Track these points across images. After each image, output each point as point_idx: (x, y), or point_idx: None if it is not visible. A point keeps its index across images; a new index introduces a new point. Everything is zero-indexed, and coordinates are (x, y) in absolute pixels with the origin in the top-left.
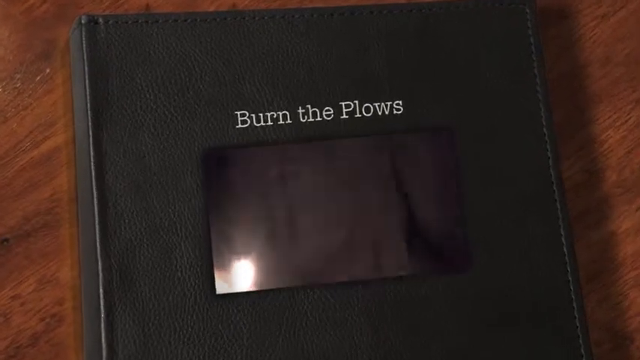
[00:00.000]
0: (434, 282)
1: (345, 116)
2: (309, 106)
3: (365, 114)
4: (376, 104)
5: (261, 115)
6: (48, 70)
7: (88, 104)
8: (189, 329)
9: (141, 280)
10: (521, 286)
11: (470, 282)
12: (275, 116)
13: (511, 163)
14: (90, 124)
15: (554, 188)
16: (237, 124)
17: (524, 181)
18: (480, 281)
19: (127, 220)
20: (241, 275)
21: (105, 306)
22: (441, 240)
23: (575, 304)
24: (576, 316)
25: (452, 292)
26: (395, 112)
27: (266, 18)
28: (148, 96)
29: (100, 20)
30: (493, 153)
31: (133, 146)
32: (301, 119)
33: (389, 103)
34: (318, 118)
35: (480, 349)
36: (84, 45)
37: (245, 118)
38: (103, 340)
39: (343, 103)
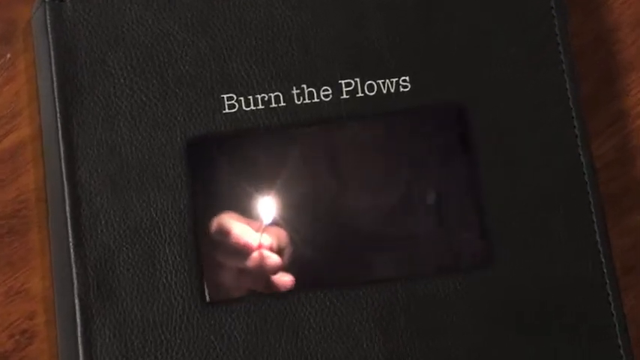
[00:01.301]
0: (451, 280)
1: (345, 96)
2: (304, 86)
3: (368, 93)
4: (380, 81)
5: (250, 98)
6: (8, 56)
7: (55, 92)
8: (178, 342)
9: (121, 289)
10: (550, 282)
11: (491, 279)
12: (266, 99)
13: (534, 144)
14: (58, 114)
15: (584, 170)
16: (224, 109)
17: (548, 163)
18: (502, 278)
19: (103, 222)
20: (234, 280)
21: (81, 319)
22: (458, 233)
23: (611, 300)
24: (613, 313)
25: (471, 291)
26: (401, 89)
27: None
28: (122, 80)
29: None
30: (513, 132)
31: (107, 137)
32: (296, 101)
33: (394, 80)
34: (315, 100)
35: (506, 354)
36: (48, 25)
37: (233, 102)
38: (81, 357)
39: (343, 82)
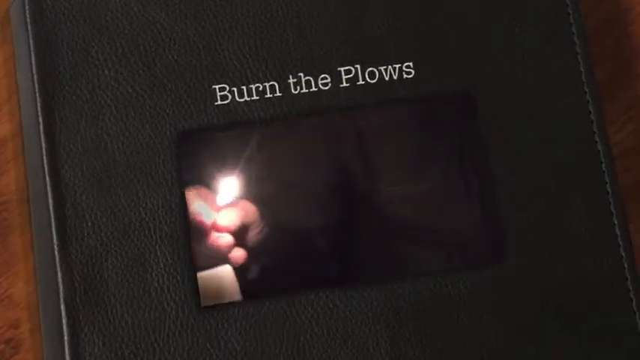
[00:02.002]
0: (461, 278)
1: (345, 84)
2: (301, 74)
3: (369, 80)
4: (382, 68)
5: (244, 88)
6: None
7: (36, 86)
8: (171, 350)
9: (110, 294)
10: (566, 280)
11: (504, 276)
12: (261, 89)
13: (546, 132)
14: (39, 109)
15: (601, 158)
16: (217, 101)
17: (563, 152)
18: (516, 274)
19: (89, 223)
20: (231, 282)
21: (68, 326)
22: (468, 227)
23: (632, 297)
24: (635, 311)
25: (483, 288)
26: (405, 76)
27: None
28: (107, 72)
29: None
30: (524, 121)
31: (92, 133)
32: (293, 91)
33: (397, 66)
34: (313, 89)
35: (522, 357)
36: (27, 15)
37: (225, 92)
38: None
39: (342, 69)
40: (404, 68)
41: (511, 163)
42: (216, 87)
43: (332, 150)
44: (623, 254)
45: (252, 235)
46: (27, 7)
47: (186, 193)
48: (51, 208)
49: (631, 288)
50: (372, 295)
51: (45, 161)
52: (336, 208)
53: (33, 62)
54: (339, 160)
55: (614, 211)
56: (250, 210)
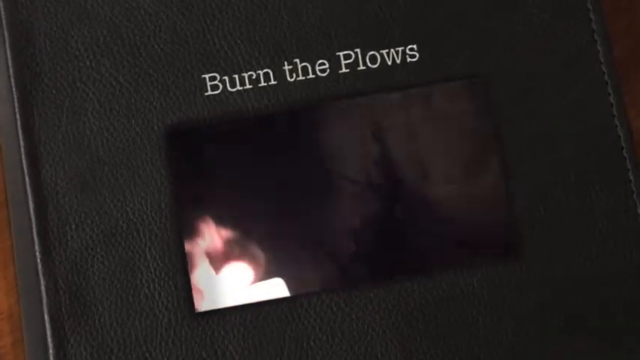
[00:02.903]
0: (474, 275)
1: (344, 70)
2: (297, 60)
3: (370, 65)
4: (384, 51)
5: (236, 76)
6: None
7: (12, 80)
8: None
9: (97, 302)
10: (586, 276)
11: (520, 273)
12: (254, 77)
13: (563, 118)
14: (16, 105)
15: (622, 144)
16: (207, 91)
17: (581, 139)
18: (532, 271)
19: (73, 226)
20: (226, 286)
21: (53, 338)
22: (481, 221)
23: None
24: None
25: (497, 286)
26: (409, 59)
27: None
28: (88, 63)
29: None
30: (538, 106)
31: (74, 130)
32: (288, 78)
33: (400, 49)
34: (311, 75)
35: (537, 357)
36: (1, 4)
37: (216, 82)
38: None
39: (341, 54)
40: (407, 51)
41: (525, 152)
42: (206, 76)
43: (331, 143)
44: None
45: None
46: None
47: (186, 249)
48: (32, 211)
49: None
50: (379, 296)
51: (24, 161)
52: (337, 207)
53: (8, 54)
54: (337, 154)
55: (637, 203)
56: (257, 261)
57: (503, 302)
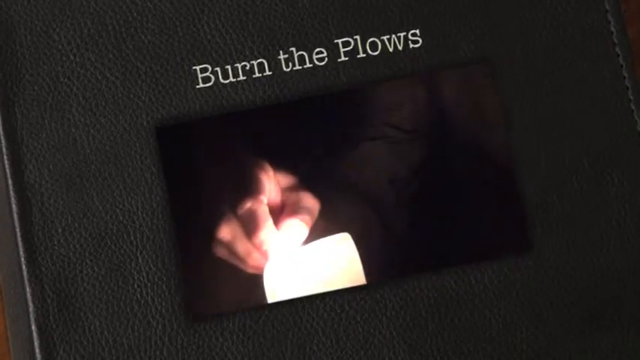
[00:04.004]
0: (484, 271)
1: (343, 58)
2: (293, 49)
3: (371, 52)
4: (385, 37)
5: (228, 67)
6: None
7: None
8: None
9: (87, 309)
10: (602, 269)
11: (531, 267)
12: (248, 67)
13: (576, 103)
14: None
15: (639, 129)
16: (198, 84)
17: (594, 125)
18: (544, 266)
19: (59, 230)
20: (224, 289)
21: (41, 349)
22: (489, 214)
23: None
24: None
25: (509, 282)
26: (411, 45)
27: None
28: (72, 57)
29: None
30: (549, 91)
31: (58, 127)
32: (284, 68)
33: (402, 35)
34: (308, 65)
35: (553, 356)
36: None
37: (207, 74)
38: None
39: (340, 41)
40: (410, 37)
41: (537, 140)
42: (197, 68)
43: (331, 134)
44: None
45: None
46: None
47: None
48: (15, 215)
49: None
50: (385, 296)
51: (6, 162)
52: (337, 205)
53: None
54: (338, 145)
55: None
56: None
57: (517, 299)
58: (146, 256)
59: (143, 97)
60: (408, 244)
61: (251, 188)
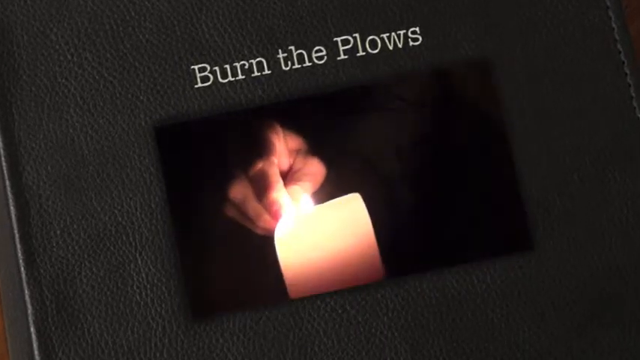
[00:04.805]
0: (485, 270)
1: (343, 56)
2: (292, 47)
3: (370, 50)
4: (384, 35)
5: (227, 67)
6: None
7: None
8: None
9: (86, 312)
10: (606, 266)
11: (532, 266)
12: (247, 66)
13: (577, 101)
14: None
15: None
16: (197, 83)
17: (596, 122)
18: (545, 264)
19: (58, 231)
20: (224, 290)
21: (40, 351)
22: (490, 212)
23: None
24: None
25: (509, 281)
26: (411, 43)
27: None
28: (69, 57)
29: None
30: (550, 90)
31: (56, 128)
32: (283, 67)
33: (402, 32)
34: (307, 63)
35: (556, 355)
36: None
37: (206, 73)
38: None
39: (339, 39)
40: (410, 35)
41: (537, 138)
42: (196, 67)
43: (333, 134)
44: None
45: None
46: None
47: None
48: (13, 216)
49: None
50: (386, 297)
51: (4, 163)
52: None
53: None
54: (340, 143)
55: None
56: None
57: (519, 298)
58: (145, 257)
59: (141, 97)
60: (407, 243)
61: (262, 149)
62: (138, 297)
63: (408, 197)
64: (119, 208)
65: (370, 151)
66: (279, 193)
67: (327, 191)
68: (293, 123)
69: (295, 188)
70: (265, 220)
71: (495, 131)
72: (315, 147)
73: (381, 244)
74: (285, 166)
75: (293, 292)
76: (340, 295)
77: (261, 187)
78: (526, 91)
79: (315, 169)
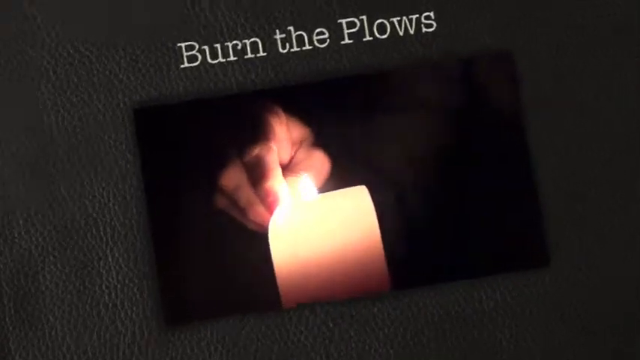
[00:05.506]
0: (495, 286)
1: (347, 41)
2: (291, 28)
3: (378, 35)
4: (395, 19)
5: (217, 46)
6: None
7: None
8: None
9: (48, 312)
10: (621, 285)
11: (547, 283)
12: (240, 47)
13: (599, 100)
14: None
15: None
16: (183, 63)
17: (621, 126)
18: (560, 281)
19: (21, 221)
20: (205, 294)
21: None
22: (503, 223)
23: None
24: None
25: (521, 299)
26: (424, 29)
27: None
28: (42, 28)
29: None
30: (571, 87)
31: (24, 107)
32: (280, 49)
33: (414, 17)
34: (307, 47)
35: None
36: None
37: (193, 52)
38: None
39: (344, 21)
40: (423, 20)
41: (555, 140)
42: (183, 45)
43: (327, 125)
44: None
45: None
46: None
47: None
48: None
49: None
50: (385, 308)
51: None
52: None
53: None
54: (335, 136)
55: None
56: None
57: (530, 317)
58: (117, 254)
59: (120, 75)
60: (415, 253)
61: (261, 133)
62: (106, 298)
63: (419, 204)
64: (90, 197)
65: (381, 152)
66: (277, 183)
67: (330, 189)
68: (297, 110)
69: (294, 180)
70: (258, 211)
71: (514, 135)
72: (321, 140)
73: (389, 253)
74: (285, 156)
75: (286, 298)
76: (331, 306)
77: (256, 175)
78: (544, 88)
79: (318, 163)
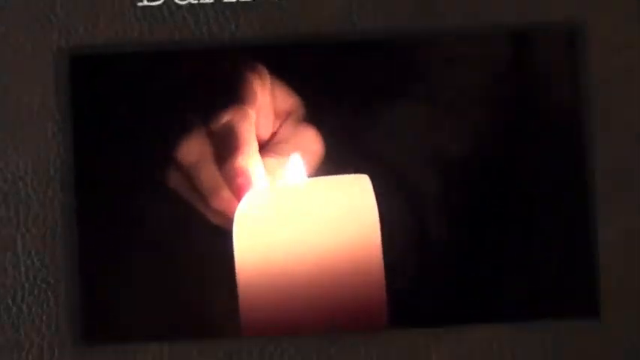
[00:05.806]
0: (535, 335)
1: None
2: None
3: None
4: None
5: None
6: None
7: None
8: None
9: None
10: None
11: (598, 335)
12: None
13: None
14: None
15: None
16: (141, 1)
17: None
18: (614, 333)
19: None
20: (135, 308)
21: None
22: (546, 264)
23: None
24: None
25: (569, 351)
26: None
27: None
28: None
29: None
30: None
31: None
32: None
33: None
34: None
35: None
36: None
37: None
38: None
39: None
40: None
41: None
42: None
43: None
44: None
45: None
46: None
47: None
48: None
49: None
50: (369, 345)
51: None
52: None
53: None
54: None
55: None
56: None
57: None
58: (30, 244)
59: (58, 12)
60: (427, 284)
61: (236, 95)
62: (10, 301)
63: (439, 223)
64: (5, 165)
65: (386, 140)
66: (250, 160)
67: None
68: (286, 73)
69: (273, 162)
70: (223, 197)
71: (569, 129)
72: (313, 114)
73: (391, 284)
74: (265, 130)
75: (246, 322)
76: (307, 341)
77: (225, 148)
78: (612, 70)
79: (306, 144)
